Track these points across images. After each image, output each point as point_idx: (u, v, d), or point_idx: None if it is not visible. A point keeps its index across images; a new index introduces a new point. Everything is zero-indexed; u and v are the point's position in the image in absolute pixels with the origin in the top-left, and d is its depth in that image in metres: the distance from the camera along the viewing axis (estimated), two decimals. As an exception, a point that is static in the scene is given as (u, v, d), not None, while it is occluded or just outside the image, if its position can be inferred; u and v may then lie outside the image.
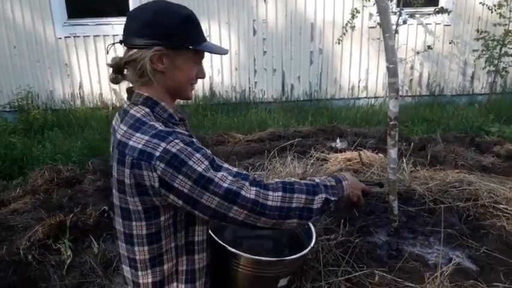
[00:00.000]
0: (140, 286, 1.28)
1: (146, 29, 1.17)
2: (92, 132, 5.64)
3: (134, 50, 1.20)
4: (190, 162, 1.10)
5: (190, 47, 1.22)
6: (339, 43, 6.75)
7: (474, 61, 7.29)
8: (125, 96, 1.32)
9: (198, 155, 1.12)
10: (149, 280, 1.26)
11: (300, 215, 1.21)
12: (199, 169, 1.11)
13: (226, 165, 1.19)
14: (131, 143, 1.14)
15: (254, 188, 1.16)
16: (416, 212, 2.57)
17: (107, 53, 1.37)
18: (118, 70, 1.26)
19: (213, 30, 6.97)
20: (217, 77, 7.22)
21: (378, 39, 6.81)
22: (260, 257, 1.49)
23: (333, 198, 1.26)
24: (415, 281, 1.92)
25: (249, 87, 7.35)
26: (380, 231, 2.41)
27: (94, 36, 6.77)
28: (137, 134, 1.14)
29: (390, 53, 2.14)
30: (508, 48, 6.77)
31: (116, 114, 1.31)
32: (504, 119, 6.24)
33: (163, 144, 1.11)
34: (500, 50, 6.77)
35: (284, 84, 7.48)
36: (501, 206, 2.53)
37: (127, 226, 1.23)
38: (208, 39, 6.02)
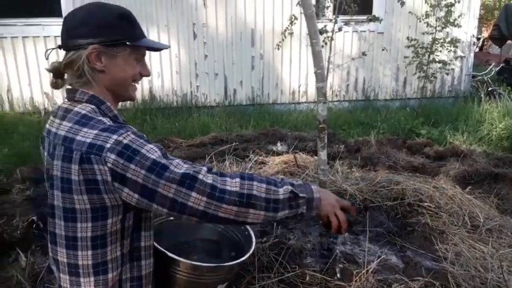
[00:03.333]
0: None
1: (81, 29, 1.17)
2: (21, 139, 5.31)
3: (72, 52, 1.19)
4: (143, 151, 1.09)
5: (128, 42, 1.20)
6: (278, 49, 6.88)
7: (405, 67, 7.72)
8: (64, 95, 1.27)
9: (151, 145, 1.11)
10: None
11: (267, 207, 1.14)
12: (153, 156, 1.09)
13: (179, 159, 1.16)
14: (78, 137, 1.11)
15: (211, 175, 1.13)
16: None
17: (47, 58, 1.34)
18: (57, 74, 1.25)
19: (151, 34, 6.84)
20: (157, 80, 7.09)
21: (316, 45, 7.03)
22: (199, 263, 1.47)
23: (301, 195, 1.19)
24: (344, 279, 1.97)
25: (191, 91, 7.29)
26: (312, 231, 2.47)
27: (23, 37, 6.41)
28: (85, 129, 1.12)
29: (317, 59, 2.21)
30: (436, 55, 7.25)
31: (51, 116, 1.26)
32: (432, 122, 6.66)
33: (115, 137, 1.09)
34: (429, 56, 7.23)
35: (227, 89, 7.49)
36: (425, 204, 2.68)
37: (70, 229, 1.17)
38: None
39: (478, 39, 11.34)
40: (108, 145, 1.08)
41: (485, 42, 17.42)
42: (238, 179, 1.15)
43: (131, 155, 1.08)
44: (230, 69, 7.41)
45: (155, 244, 1.41)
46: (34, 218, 3.17)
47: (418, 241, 2.41)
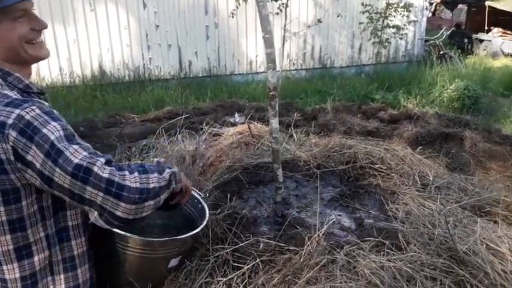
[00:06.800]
0: (8, 283, 1.14)
1: None
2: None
3: None
4: (44, 130, 1.01)
5: None
6: (233, 17, 6.70)
7: (360, 33, 7.75)
8: None
9: (54, 123, 1.04)
10: (17, 275, 1.14)
11: (156, 194, 1.16)
12: (52, 137, 1.02)
13: (86, 144, 1.09)
14: None
15: (109, 167, 1.07)
16: (301, 178, 2.67)
17: None
18: None
19: (98, 6, 6.47)
20: (106, 54, 6.78)
21: (270, 12, 6.90)
22: (150, 238, 1.45)
23: (173, 170, 1.27)
24: (297, 244, 1.97)
25: (143, 64, 7.04)
26: (267, 200, 2.45)
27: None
28: None
29: (265, 23, 2.12)
30: (390, 20, 7.31)
31: None
32: (387, 86, 6.77)
33: (17, 111, 1.01)
34: (383, 22, 7.28)
35: (181, 60, 7.28)
36: (377, 166, 2.71)
37: None
38: (93, 14, 5.59)
39: (431, 4, 11.53)
40: (10, 121, 1.01)
41: (438, 7, 17.79)
42: (136, 174, 1.12)
43: (31, 134, 1.01)
44: (184, 40, 7.17)
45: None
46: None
47: (370, 202, 2.45)
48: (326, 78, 7.56)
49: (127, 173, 1.10)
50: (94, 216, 1.10)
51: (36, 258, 1.15)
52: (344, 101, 6.06)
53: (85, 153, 1.05)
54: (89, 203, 1.07)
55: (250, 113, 4.79)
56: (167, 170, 1.24)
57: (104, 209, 1.07)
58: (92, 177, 1.04)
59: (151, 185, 1.13)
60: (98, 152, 1.10)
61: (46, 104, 1.12)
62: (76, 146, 1.05)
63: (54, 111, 1.09)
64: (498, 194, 2.52)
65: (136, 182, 1.10)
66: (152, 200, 1.14)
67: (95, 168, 1.04)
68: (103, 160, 1.07)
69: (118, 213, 1.08)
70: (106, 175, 1.05)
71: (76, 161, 1.03)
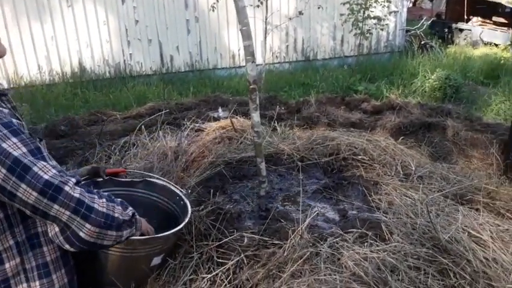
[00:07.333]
0: None
1: None
2: None
3: None
4: (4, 145, 0.97)
5: None
6: (213, 10, 6.63)
7: (342, 25, 7.75)
8: None
9: (15, 139, 1.00)
10: None
11: (119, 227, 1.17)
12: (15, 153, 0.98)
13: (53, 162, 1.07)
14: None
15: (79, 188, 1.07)
16: (285, 171, 2.66)
17: None
18: None
19: (75, 1, 6.33)
20: (85, 50, 6.65)
21: (251, 5, 6.83)
22: (131, 237, 1.42)
23: (137, 216, 1.28)
24: (282, 238, 1.97)
25: (124, 60, 6.93)
26: (251, 194, 2.44)
27: None
28: None
29: (241, 15, 2.10)
30: (370, 11, 7.31)
31: None
32: (369, 78, 6.80)
33: None
34: (364, 13, 7.28)
35: (163, 55, 7.19)
36: (359, 157, 2.72)
37: None
38: (70, 10, 5.48)
39: (411, -6, 11.61)
40: None
41: (418, -3, 17.93)
42: (104, 200, 1.13)
43: None
44: (164, 34, 7.08)
45: None
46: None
47: (353, 194, 2.46)
48: (309, 71, 7.56)
49: (96, 196, 1.11)
50: (54, 231, 1.09)
51: (7, 265, 1.13)
52: (328, 93, 6.07)
53: (54, 170, 1.04)
54: (53, 219, 1.06)
55: (234, 108, 4.76)
56: (130, 209, 1.25)
57: (69, 227, 1.07)
58: (61, 196, 1.03)
59: (116, 214, 1.15)
60: (65, 171, 1.10)
61: (6, 110, 1.07)
62: (43, 162, 1.03)
63: (14, 121, 1.05)
64: (479, 181, 2.55)
65: (103, 206, 1.11)
66: (114, 230, 1.14)
67: (67, 188, 1.03)
68: (74, 180, 1.07)
69: (82, 234, 1.08)
70: (76, 195, 1.05)
71: (45, 177, 1.01)
